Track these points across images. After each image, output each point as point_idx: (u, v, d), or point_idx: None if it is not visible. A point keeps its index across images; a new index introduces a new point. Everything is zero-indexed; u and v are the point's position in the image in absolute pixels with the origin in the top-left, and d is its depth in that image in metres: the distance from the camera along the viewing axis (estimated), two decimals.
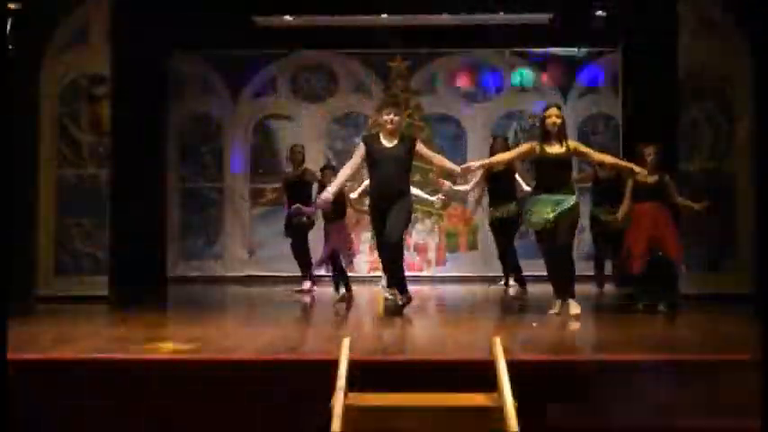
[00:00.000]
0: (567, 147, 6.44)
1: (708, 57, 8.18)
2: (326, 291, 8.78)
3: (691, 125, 8.24)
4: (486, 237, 11.24)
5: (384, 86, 11.67)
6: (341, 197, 7.80)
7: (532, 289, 8.58)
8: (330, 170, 8.52)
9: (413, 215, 7.13)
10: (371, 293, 8.95)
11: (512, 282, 8.91)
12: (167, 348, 4.80)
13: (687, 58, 8.22)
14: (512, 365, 3.74)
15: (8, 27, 6.77)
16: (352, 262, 8.72)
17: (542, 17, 10.61)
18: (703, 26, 8.21)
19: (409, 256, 11.00)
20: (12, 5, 7.28)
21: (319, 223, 8.88)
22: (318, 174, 8.85)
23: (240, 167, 11.61)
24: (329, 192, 6.85)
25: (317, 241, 8.96)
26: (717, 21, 8.23)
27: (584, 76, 11.59)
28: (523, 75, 11.65)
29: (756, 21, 7.60)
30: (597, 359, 4.61)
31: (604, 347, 5.25)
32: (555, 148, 6.43)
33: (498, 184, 8.50)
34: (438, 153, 7.48)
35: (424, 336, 5.87)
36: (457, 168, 6.73)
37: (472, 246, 11.54)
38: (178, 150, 11.53)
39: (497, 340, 3.90)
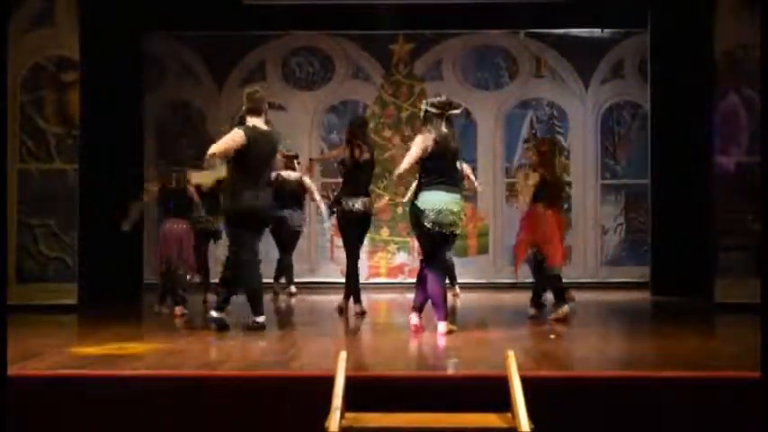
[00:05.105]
0: None
1: (746, 36, 8.10)
2: (327, 299, 8.75)
3: (727, 113, 8.19)
4: (496, 240, 11.28)
5: (385, 72, 11.65)
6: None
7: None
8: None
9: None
10: (369, 302, 8.92)
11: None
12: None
13: (723, 38, 8.19)
14: (527, 382, 3.73)
15: None
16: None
17: None
18: (741, 1, 8.16)
19: (410, 261, 10.99)
20: None
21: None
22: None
23: None
24: None
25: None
26: None
27: None
28: None
29: None
30: (623, 376, 4.60)
31: (632, 363, 5.23)
32: None
33: None
34: None
35: (428, 349, 5.85)
36: None
37: (482, 249, 11.52)
38: (156, 143, 11.50)
39: (511, 354, 3.89)
